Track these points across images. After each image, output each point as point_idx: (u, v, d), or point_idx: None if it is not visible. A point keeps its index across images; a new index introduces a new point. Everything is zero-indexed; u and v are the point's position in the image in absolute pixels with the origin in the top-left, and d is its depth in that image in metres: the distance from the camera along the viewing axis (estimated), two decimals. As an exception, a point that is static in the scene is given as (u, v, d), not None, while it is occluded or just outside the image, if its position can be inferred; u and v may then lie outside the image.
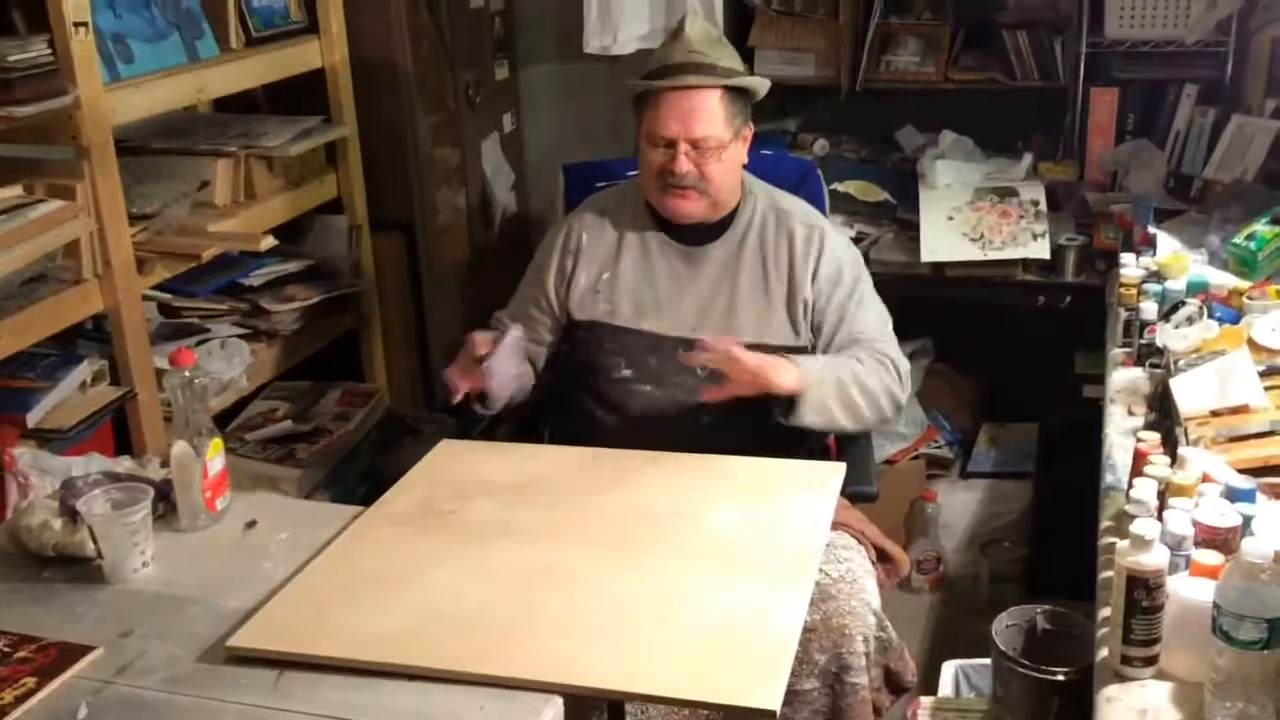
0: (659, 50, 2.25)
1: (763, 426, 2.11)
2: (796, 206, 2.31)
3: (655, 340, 2.22)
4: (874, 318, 2.26)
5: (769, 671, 1.46)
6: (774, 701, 1.42)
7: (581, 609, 1.60)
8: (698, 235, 2.25)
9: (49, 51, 2.22)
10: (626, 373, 2.22)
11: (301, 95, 3.12)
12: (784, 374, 2.01)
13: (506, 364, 2.12)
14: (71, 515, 1.73)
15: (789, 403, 2.04)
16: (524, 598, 1.62)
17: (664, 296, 2.25)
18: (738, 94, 2.18)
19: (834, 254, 2.25)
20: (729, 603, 1.60)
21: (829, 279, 2.23)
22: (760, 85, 2.22)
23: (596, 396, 2.24)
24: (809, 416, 2.05)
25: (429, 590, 1.64)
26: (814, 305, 2.22)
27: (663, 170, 2.16)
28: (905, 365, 2.22)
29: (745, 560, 1.71)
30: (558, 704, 1.44)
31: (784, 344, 2.20)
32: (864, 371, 2.14)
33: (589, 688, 1.46)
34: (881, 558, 2.21)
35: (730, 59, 2.19)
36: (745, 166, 2.27)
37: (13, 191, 2.24)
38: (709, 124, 2.13)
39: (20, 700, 1.44)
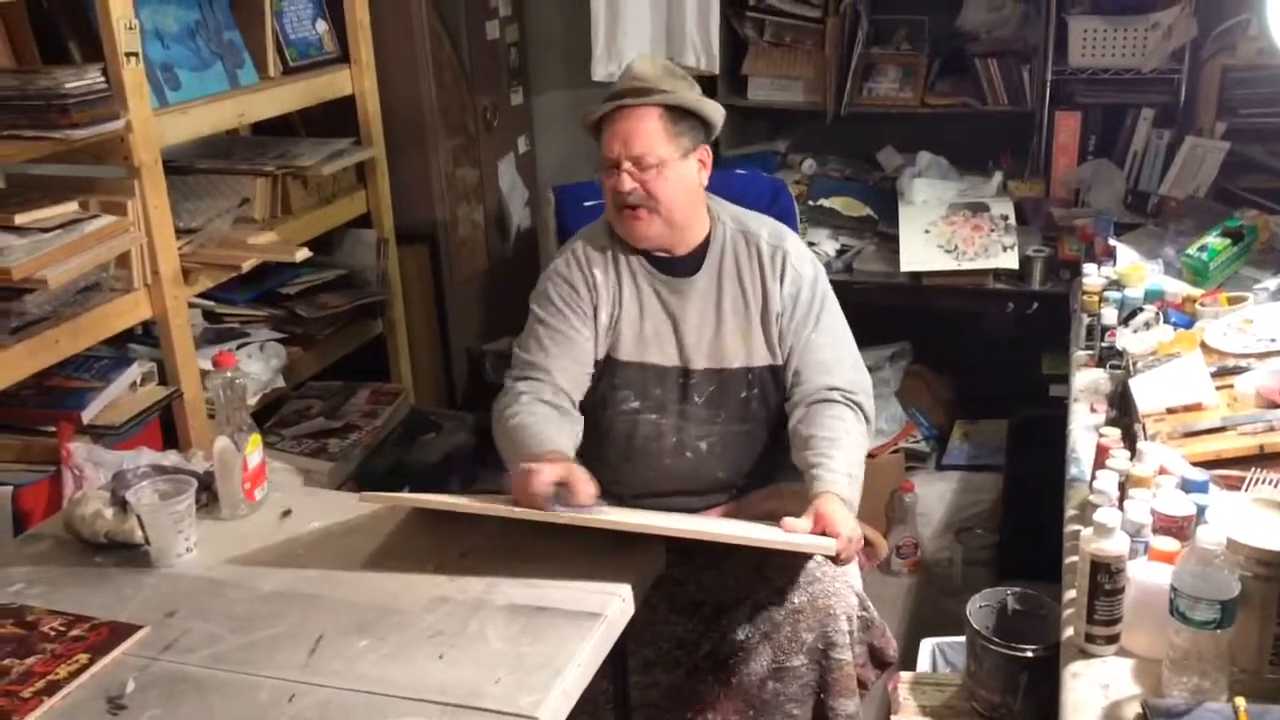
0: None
1: (754, 449, 2.15)
2: (762, 224, 2.21)
3: (658, 371, 2.14)
4: (830, 336, 2.14)
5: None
6: None
7: None
8: (680, 268, 2.15)
9: (103, 79, 2.22)
10: (634, 404, 2.13)
11: (334, 119, 3.12)
12: (848, 525, 1.84)
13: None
14: (122, 505, 1.73)
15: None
16: None
17: (660, 329, 2.14)
18: (681, 115, 2.07)
19: (796, 272, 2.14)
20: None
21: (791, 297, 2.13)
22: (705, 107, 2.10)
23: (606, 429, 2.14)
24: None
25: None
26: (780, 321, 2.13)
27: (615, 192, 2.07)
28: (866, 381, 2.14)
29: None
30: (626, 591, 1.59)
31: (766, 364, 2.13)
32: (861, 443, 2.04)
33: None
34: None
35: (679, 87, 2.08)
36: (721, 188, 2.19)
37: (69, 207, 2.24)
38: (646, 141, 2.03)
39: (74, 675, 1.43)
